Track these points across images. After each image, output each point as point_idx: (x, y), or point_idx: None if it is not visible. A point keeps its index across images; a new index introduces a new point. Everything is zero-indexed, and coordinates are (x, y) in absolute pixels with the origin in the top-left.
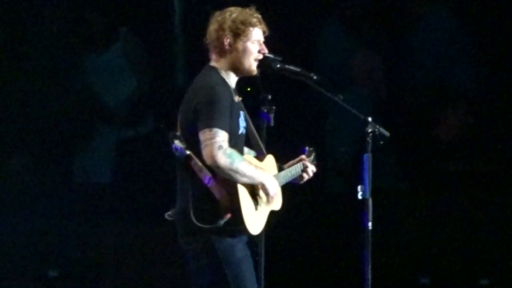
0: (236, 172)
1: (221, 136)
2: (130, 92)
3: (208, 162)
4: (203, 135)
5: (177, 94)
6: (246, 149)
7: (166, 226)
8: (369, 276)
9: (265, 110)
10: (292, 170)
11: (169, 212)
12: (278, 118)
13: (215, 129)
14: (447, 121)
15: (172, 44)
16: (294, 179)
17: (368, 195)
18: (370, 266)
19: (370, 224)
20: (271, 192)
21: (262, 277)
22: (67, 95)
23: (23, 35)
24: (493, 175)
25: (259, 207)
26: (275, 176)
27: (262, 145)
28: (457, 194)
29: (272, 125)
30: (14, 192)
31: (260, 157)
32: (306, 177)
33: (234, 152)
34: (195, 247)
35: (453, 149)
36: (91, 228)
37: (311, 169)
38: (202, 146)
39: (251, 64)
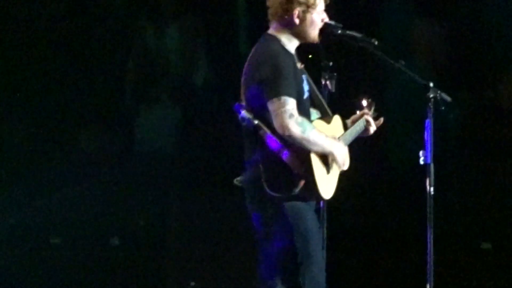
0: (308, 140)
1: (291, 104)
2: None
3: (280, 131)
4: (272, 105)
5: (241, 63)
6: (313, 110)
7: (231, 194)
8: (431, 241)
9: (326, 77)
10: (356, 127)
11: (238, 178)
12: (339, 84)
13: (284, 98)
14: (509, 88)
15: (235, 12)
16: (361, 134)
17: (430, 160)
18: (432, 232)
19: (432, 189)
20: (340, 161)
21: (324, 245)
22: (131, 63)
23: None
24: None
25: (330, 170)
26: (342, 136)
27: (326, 106)
28: None
29: (333, 91)
30: (80, 161)
31: (326, 118)
32: (371, 131)
33: (305, 120)
34: (265, 213)
35: None
36: (155, 196)
37: (375, 122)
38: (273, 115)
39: (316, 33)
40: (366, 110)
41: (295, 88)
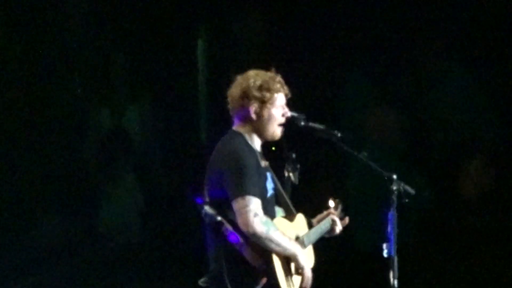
0: (271, 240)
1: (255, 203)
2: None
3: (244, 229)
4: (236, 204)
5: (201, 152)
6: (278, 209)
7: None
8: None
9: (289, 169)
10: (322, 226)
11: (202, 279)
12: (302, 176)
13: (248, 197)
14: (469, 176)
15: (196, 101)
16: (326, 234)
17: (393, 252)
18: None
19: (396, 282)
20: (301, 265)
21: None
22: (89, 145)
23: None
24: None
25: (292, 273)
26: (306, 234)
27: (290, 204)
28: (482, 249)
29: (297, 183)
30: (42, 251)
31: (290, 216)
32: (337, 230)
33: (269, 220)
34: None
35: (478, 204)
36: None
37: (341, 222)
38: (237, 214)
39: (275, 129)
40: (332, 210)
41: (259, 187)
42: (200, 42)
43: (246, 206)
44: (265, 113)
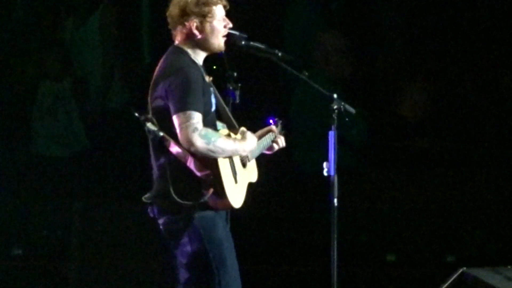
0: (215, 151)
1: (196, 118)
2: (100, 67)
3: (185, 145)
4: (177, 119)
5: (145, 72)
6: (219, 124)
7: (136, 203)
8: (335, 253)
9: (231, 88)
10: (263, 141)
11: (146, 195)
12: (244, 95)
13: (189, 112)
14: (410, 98)
15: (139, 22)
16: (266, 150)
17: (333, 172)
18: (336, 243)
19: (335, 200)
20: (278, 145)
21: None
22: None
23: None
24: (457, 152)
25: (238, 180)
26: None
27: (232, 119)
28: (422, 171)
29: (237, 102)
30: None
31: (233, 130)
32: (276, 147)
33: (209, 131)
34: (176, 226)
35: (418, 127)
36: (57, 205)
37: (281, 139)
38: (178, 130)
39: (220, 41)
40: (273, 127)
41: (202, 102)
42: None
43: (186, 121)
44: (207, 27)
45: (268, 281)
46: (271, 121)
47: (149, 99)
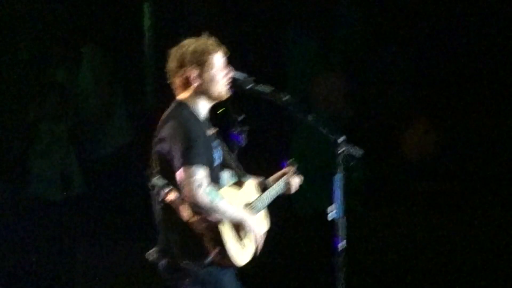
0: (216, 210)
1: (199, 174)
2: (99, 112)
3: (188, 200)
4: (180, 175)
5: (147, 115)
6: (226, 174)
7: (139, 243)
8: None
9: (236, 132)
10: (276, 188)
11: (149, 252)
12: (249, 136)
13: (193, 167)
14: (412, 140)
15: (142, 65)
16: (280, 194)
17: (340, 214)
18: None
19: (343, 243)
20: (252, 229)
21: None
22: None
23: None
24: (462, 193)
25: (243, 237)
26: (257, 199)
27: (239, 167)
28: (427, 213)
29: (243, 145)
30: None
31: (239, 182)
32: (293, 189)
33: (213, 190)
34: (182, 282)
35: (421, 169)
36: (61, 246)
37: (296, 181)
38: (181, 185)
39: (221, 90)
40: (287, 169)
41: (205, 157)
42: (146, 6)
43: (190, 176)
44: (206, 76)
45: None
46: (284, 164)
47: (153, 153)
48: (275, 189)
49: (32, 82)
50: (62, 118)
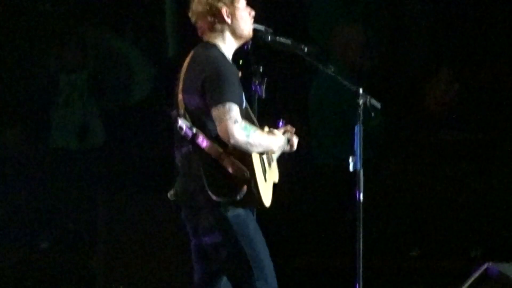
0: (253, 144)
1: (235, 110)
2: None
3: (225, 137)
4: (216, 111)
5: (169, 66)
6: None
7: (159, 196)
8: (361, 247)
9: (257, 82)
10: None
11: (171, 192)
12: (269, 89)
13: (228, 104)
14: (435, 90)
15: (163, 15)
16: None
17: (359, 166)
18: (361, 237)
19: (361, 195)
20: (294, 146)
21: None
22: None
23: None
24: (484, 144)
25: (267, 179)
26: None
27: (254, 118)
28: (447, 164)
29: (263, 97)
30: (3, 163)
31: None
32: (294, 149)
33: (248, 124)
34: (207, 223)
35: (442, 120)
36: (83, 196)
37: (295, 140)
38: (217, 122)
39: (250, 28)
40: (289, 127)
41: (239, 95)
42: None
43: (226, 113)
44: (237, 13)
45: (295, 275)
46: (280, 123)
47: (179, 95)
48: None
49: (51, 33)
50: (82, 69)
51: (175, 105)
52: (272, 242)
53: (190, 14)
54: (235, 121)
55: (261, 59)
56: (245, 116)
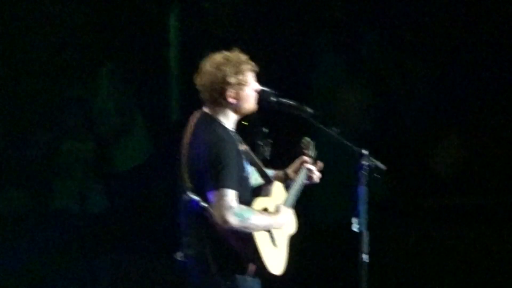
0: (248, 227)
1: (229, 196)
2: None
3: (219, 222)
4: (211, 196)
5: (173, 129)
6: (258, 178)
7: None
8: None
9: (261, 143)
10: (299, 181)
11: (180, 254)
12: (273, 150)
13: (223, 190)
14: (441, 155)
15: (167, 77)
16: (306, 184)
17: (364, 228)
18: None
19: (366, 256)
20: (313, 178)
21: None
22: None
23: None
24: (489, 208)
25: (277, 243)
26: (286, 200)
27: (267, 173)
28: (452, 228)
29: (268, 158)
30: (9, 225)
31: (267, 187)
32: (315, 178)
33: (243, 209)
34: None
35: (448, 184)
36: (86, 260)
37: (316, 168)
38: (212, 206)
39: (252, 105)
40: (305, 157)
41: (237, 178)
42: (172, 16)
43: (220, 199)
44: (242, 94)
45: None
46: (302, 145)
47: (184, 168)
48: (298, 183)
49: (54, 100)
50: (84, 137)
51: (181, 178)
52: None
53: (196, 80)
54: (230, 207)
55: (267, 120)
56: (248, 184)
